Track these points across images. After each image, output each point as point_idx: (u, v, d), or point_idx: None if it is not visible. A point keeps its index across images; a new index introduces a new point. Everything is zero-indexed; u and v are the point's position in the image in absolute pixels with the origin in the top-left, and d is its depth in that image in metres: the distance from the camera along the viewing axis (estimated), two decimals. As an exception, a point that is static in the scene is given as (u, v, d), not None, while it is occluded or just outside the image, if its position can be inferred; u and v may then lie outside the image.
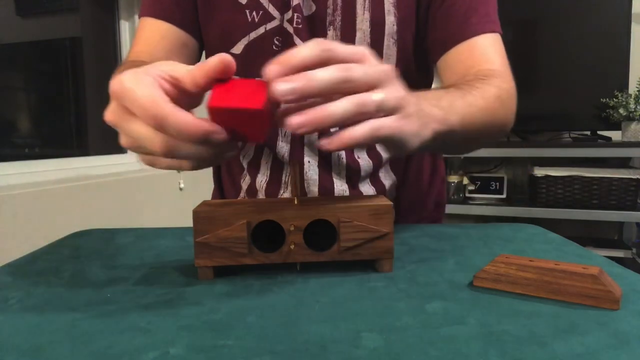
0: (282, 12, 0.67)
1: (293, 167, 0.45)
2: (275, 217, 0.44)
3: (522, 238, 0.57)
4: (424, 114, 0.43)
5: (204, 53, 0.79)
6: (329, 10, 0.67)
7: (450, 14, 0.67)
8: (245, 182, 0.78)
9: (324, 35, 0.68)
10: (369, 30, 0.67)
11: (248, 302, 0.38)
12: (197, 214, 0.44)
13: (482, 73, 0.63)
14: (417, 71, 0.74)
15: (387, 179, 0.75)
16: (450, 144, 0.56)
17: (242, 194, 0.79)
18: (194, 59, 0.75)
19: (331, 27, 0.68)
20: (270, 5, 0.67)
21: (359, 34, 0.68)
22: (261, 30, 0.68)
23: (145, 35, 0.71)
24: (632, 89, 2.00)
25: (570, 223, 2.16)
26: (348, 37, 0.68)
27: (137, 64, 0.65)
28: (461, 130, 0.51)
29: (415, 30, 0.70)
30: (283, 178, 0.74)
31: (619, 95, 1.97)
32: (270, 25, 0.68)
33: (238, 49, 0.69)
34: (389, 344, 0.30)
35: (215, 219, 0.44)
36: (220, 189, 0.86)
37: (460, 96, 0.53)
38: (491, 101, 0.58)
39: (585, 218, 1.97)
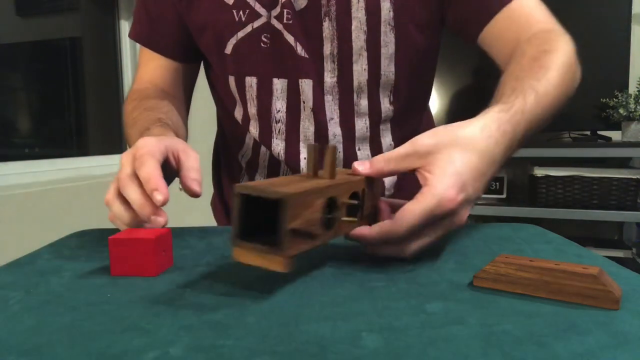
0: (269, 9, 0.68)
1: (330, 151, 0.45)
2: (336, 193, 0.43)
3: (522, 238, 0.57)
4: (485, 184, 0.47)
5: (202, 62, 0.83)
6: (324, 1, 0.67)
7: None
8: (244, 182, 0.78)
9: (318, 27, 0.68)
10: (364, 18, 0.67)
11: (248, 302, 0.38)
12: (288, 197, 0.37)
13: (539, 39, 0.60)
14: (421, 54, 0.72)
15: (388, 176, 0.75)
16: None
17: (242, 194, 0.79)
18: (189, 78, 0.83)
19: (326, 17, 0.67)
20: (257, 4, 0.68)
21: (354, 23, 0.67)
22: (248, 28, 0.68)
23: (144, 63, 0.80)
24: (632, 89, 2.00)
25: (570, 223, 2.16)
26: (344, 26, 0.67)
27: (143, 95, 0.74)
28: (535, 131, 0.54)
29: (418, 6, 0.68)
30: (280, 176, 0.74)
31: (619, 95, 1.97)
32: (257, 23, 0.68)
33: (228, 49, 0.70)
34: (389, 344, 0.30)
35: (304, 202, 0.39)
36: (220, 191, 0.86)
37: (533, 98, 0.52)
38: (563, 77, 0.57)
39: (585, 218, 1.97)
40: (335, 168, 0.46)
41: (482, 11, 0.64)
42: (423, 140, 0.45)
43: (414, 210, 0.42)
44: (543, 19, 0.64)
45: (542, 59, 0.56)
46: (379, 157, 0.47)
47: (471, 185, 0.44)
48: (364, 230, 0.45)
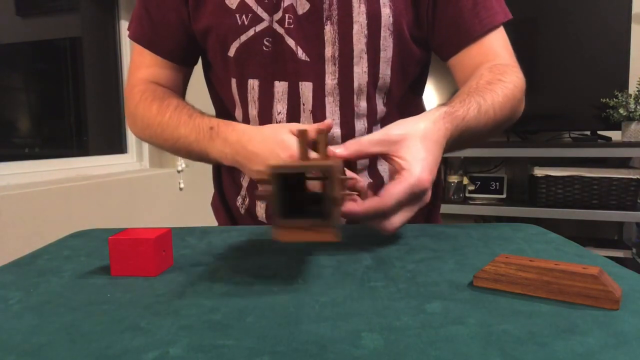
0: (271, 13, 0.69)
1: (324, 135, 0.47)
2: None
3: (522, 238, 0.57)
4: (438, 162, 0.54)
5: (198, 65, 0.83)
6: (325, 6, 0.69)
7: (457, 13, 0.71)
8: (245, 180, 0.78)
9: (320, 30, 0.69)
10: (365, 22, 0.69)
11: (248, 302, 0.38)
12: (336, 166, 0.39)
13: (497, 69, 0.68)
14: (415, 61, 0.76)
15: (385, 171, 0.76)
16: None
17: (243, 192, 0.79)
18: (186, 80, 0.84)
19: (328, 21, 0.69)
20: (259, 8, 0.69)
21: (356, 27, 0.69)
22: (251, 32, 0.70)
23: (144, 65, 0.79)
24: (632, 89, 2.00)
25: (570, 223, 2.16)
26: (345, 29, 0.69)
27: (158, 94, 0.74)
28: (469, 140, 0.62)
29: (412, 20, 0.72)
30: None
31: (619, 95, 1.97)
32: (259, 27, 0.70)
33: (231, 52, 0.71)
34: (389, 344, 0.30)
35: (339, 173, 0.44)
36: (220, 191, 0.86)
37: (475, 111, 0.60)
38: (505, 104, 0.65)
39: (585, 218, 1.97)
40: (327, 150, 0.49)
41: (459, 39, 0.72)
42: (393, 130, 0.53)
43: (398, 188, 0.49)
44: (506, 56, 0.72)
45: (494, 84, 0.65)
46: (352, 141, 0.53)
47: (434, 169, 0.52)
48: (353, 206, 0.49)
